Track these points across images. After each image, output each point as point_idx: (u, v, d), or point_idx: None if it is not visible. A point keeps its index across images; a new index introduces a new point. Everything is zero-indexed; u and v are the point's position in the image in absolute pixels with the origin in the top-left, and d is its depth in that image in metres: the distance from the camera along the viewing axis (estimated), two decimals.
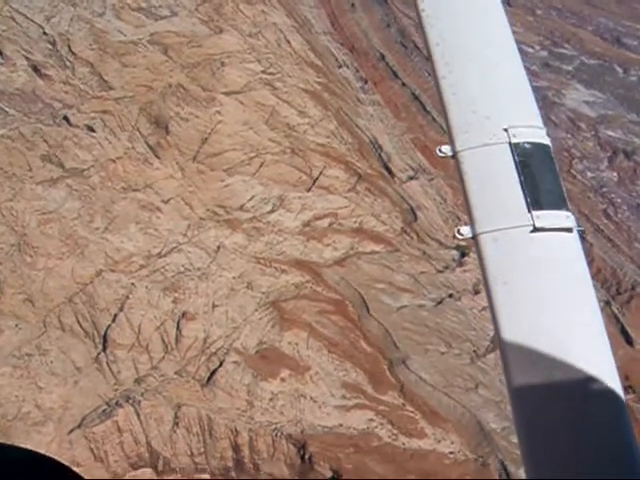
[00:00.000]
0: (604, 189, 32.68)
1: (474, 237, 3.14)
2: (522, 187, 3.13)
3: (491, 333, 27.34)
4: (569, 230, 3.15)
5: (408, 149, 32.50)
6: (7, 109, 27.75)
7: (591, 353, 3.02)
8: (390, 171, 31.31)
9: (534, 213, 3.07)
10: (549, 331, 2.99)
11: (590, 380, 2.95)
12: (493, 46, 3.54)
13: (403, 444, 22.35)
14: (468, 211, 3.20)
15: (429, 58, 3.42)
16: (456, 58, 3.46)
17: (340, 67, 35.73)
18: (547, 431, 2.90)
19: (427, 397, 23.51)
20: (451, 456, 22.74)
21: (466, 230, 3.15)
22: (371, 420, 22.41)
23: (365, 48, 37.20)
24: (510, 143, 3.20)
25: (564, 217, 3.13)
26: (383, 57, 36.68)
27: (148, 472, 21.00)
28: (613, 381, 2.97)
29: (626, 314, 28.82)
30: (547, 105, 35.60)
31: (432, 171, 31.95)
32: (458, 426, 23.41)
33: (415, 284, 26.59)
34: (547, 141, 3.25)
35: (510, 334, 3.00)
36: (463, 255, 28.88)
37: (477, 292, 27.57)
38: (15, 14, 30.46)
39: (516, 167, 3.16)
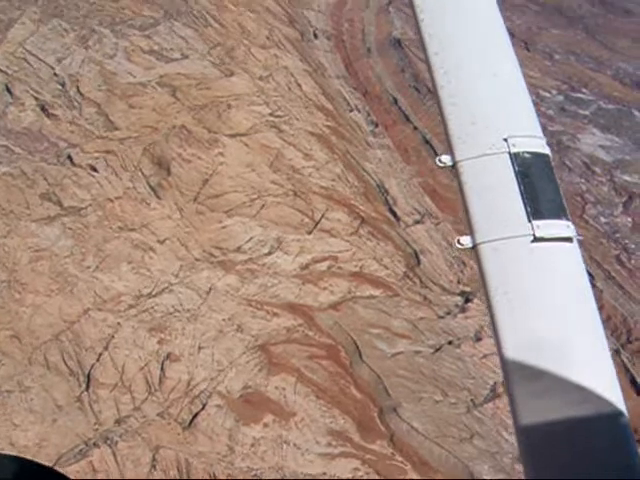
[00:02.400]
0: (617, 235, 31.82)
1: (474, 247, 3.24)
2: (522, 197, 3.21)
3: (491, 382, 26.54)
4: (569, 240, 3.20)
5: (416, 193, 32.11)
6: (13, 147, 28.12)
7: (592, 363, 3.06)
8: (395, 215, 30.91)
9: (534, 223, 3.16)
10: (550, 341, 2.99)
11: (591, 389, 2.97)
12: (493, 56, 3.63)
13: None
14: (468, 221, 3.30)
15: (428, 68, 3.59)
16: (455, 67, 3.53)
17: (351, 111, 35.66)
18: (548, 443, 2.88)
19: (418, 447, 22.74)
20: None
21: (466, 240, 3.27)
22: (356, 469, 21.71)
23: (378, 92, 37.12)
24: (510, 153, 3.28)
25: (564, 226, 3.21)
26: (396, 101, 36.54)
27: None
28: (614, 391, 3.03)
29: (636, 363, 27.73)
30: (561, 149, 34.99)
31: (439, 215, 31.47)
32: (449, 478, 22.57)
33: (413, 330, 25.97)
34: (547, 150, 3.38)
35: (510, 344, 3.03)
36: (467, 301, 28.19)
37: (479, 339, 26.82)
38: (28, 55, 31.05)
39: (516, 177, 3.25)
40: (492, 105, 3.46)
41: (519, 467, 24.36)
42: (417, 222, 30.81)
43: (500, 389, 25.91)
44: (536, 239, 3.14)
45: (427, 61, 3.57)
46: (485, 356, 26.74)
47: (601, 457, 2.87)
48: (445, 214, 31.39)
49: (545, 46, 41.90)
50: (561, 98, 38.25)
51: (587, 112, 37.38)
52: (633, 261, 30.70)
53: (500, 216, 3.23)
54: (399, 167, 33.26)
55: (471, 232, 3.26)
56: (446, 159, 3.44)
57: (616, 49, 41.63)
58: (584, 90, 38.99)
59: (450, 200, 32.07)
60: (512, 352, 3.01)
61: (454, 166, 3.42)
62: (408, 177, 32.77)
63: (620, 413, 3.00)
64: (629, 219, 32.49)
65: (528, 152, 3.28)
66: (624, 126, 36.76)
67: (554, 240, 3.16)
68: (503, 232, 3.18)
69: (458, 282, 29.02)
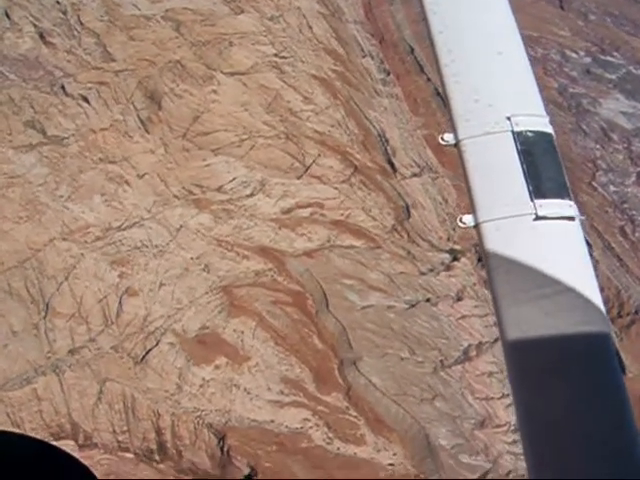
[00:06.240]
0: (625, 205, 30.35)
1: (476, 226, 3.24)
2: (525, 176, 3.21)
3: (465, 344, 25.71)
4: (571, 219, 3.20)
5: (417, 145, 31.06)
6: (8, 73, 27.92)
7: (593, 342, 3.01)
8: (393, 166, 29.97)
9: (537, 202, 3.16)
10: (551, 320, 2.99)
11: (592, 371, 2.95)
12: (496, 34, 3.57)
13: (337, 449, 21.13)
14: (470, 200, 3.30)
15: (432, 45, 3.52)
16: (459, 46, 3.51)
17: (364, 57, 34.53)
18: (548, 425, 2.88)
19: (374, 403, 22.20)
20: (390, 468, 21.39)
21: (469, 219, 3.25)
22: (306, 420, 21.31)
23: (395, 40, 35.86)
24: (513, 131, 3.27)
25: (566, 206, 3.20)
26: (412, 50, 35.27)
27: (71, 444, 20.56)
28: (615, 372, 3.00)
29: (624, 339, 26.58)
30: (579, 113, 33.44)
31: (439, 170, 30.42)
32: (404, 437, 22.01)
33: (390, 284, 25.24)
34: (550, 129, 3.34)
35: (512, 324, 3.02)
36: (454, 259, 27.25)
37: (459, 299, 25.96)
38: None
39: (519, 156, 3.25)
40: (495, 83, 3.43)
41: (479, 433, 23.69)
42: (414, 175, 29.82)
43: (472, 352, 25.07)
44: (538, 218, 3.15)
45: (431, 39, 3.55)
46: (463, 317, 25.86)
47: (601, 437, 2.84)
48: (445, 169, 30.30)
49: (581, 5, 39.90)
50: (588, 60, 36.42)
51: (614, 76, 35.50)
52: (637, 234, 29.27)
53: (502, 195, 3.24)
54: (405, 118, 32.15)
55: (473, 211, 3.26)
56: (449, 137, 3.42)
57: None
58: (615, 54, 37.03)
59: (453, 155, 30.84)
60: (513, 330, 3.00)
61: (457, 144, 3.40)
62: (412, 128, 31.67)
63: (622, 391, 2.97)
64: None
65: (531, 131, 3.28)
66: None
67: (556, 219, 3.17)
68: (505, 211, 3.20)
69: (448, 239, 28.06)
